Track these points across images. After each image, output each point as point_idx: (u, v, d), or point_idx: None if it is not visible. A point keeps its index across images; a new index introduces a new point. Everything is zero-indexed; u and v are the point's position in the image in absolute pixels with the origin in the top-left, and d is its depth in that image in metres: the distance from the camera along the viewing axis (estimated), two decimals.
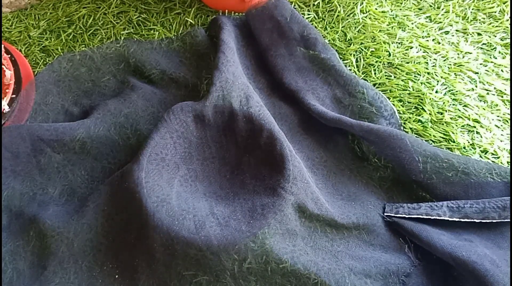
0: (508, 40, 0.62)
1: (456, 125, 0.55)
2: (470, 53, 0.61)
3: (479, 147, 0.53)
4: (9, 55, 0.56)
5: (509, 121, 0.55)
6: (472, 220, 0.45)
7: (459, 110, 0.56)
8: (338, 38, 0.63)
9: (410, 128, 0.56)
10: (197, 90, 0.58)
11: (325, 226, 0.47)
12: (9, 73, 0.55)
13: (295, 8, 0.63)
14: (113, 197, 0.47)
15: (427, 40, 0.63)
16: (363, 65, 0.61)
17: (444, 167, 0.48)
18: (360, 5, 0.66)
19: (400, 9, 0.66)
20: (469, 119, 0.56)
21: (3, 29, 0.65)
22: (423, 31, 0.64)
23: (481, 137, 0.54)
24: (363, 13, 0.66)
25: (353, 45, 0.62)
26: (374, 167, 0.53)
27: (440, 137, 0.55)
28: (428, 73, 0.59)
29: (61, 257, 0.45)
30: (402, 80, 0.59)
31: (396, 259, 0.46)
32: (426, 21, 0.65)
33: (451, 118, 0.56)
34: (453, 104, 0.57)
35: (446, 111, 0.56)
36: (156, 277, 0.43)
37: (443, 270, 0.46)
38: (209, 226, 0.43)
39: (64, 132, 0.50)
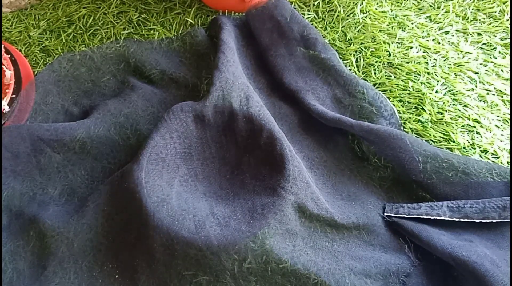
0: (508, 40, 0.62)
1: (456, 125, 0.55)
2: (470, 53, 0.61)
3: (479, 147, 0.53)
4: (9, 55, 0.56)
5: (509, 121, 0.55)
6: (472, 220, 0.45)
7: (459, 110, 0.56)
8: (338, 38, 0.63)
9: (410, 128, 0.56)
10: (197, 90, 0.58)
11: (325, 226, 0.47)
12: (9, 73, 0.55)
13: (295, 8, 0.63)
14: (113, 197, 0.47)
15: (427, 40, 0.63)
16: (363, 65, 0.61)
17: (444, 167, 0.48)
18: (360, 5, 0.66)
19: (400, 9, 0.66)
20: (469, 119, 0.56)
21: (3, 29, 0.65)
22: (423, 31, 0.64)
23: (481, 137, 0.54)
24: (363, 13, 0.66)
25: (353, 45, 0.62)
26: (374, 167, 0.53)
27: (440, 137, 0.55)
28: (428, 73, 0.59)
29: (61, 257, 0.45)
30: (402, 80, 0.59)
31: (396, 259, 0.46)
32: (426, 21, 0.65)
33: (451, 118, 0.56)
34: (453, 104, 0.57)
35: (446, 111, 0.56)
36: (156, 277, 0.43)
37: (443, 270, 0.46)
38: (209, 226, 0.43)
39: (64, 132, 0.50)
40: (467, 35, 0.63)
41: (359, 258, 0.46)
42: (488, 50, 0.62)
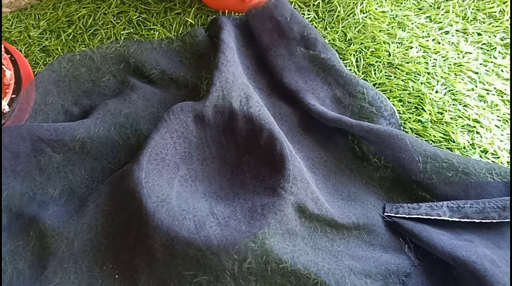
0: (508, 40, 0.62)
1: (456, 125, 0.55)
2: (470, 53, 0.61)
3: (479, 147, 0.53)
4: (9, 55, 0.56)
5: (509, 121, 0.55)
6: (472, 220, 0.45)
7: (459, 110, 0.56)
8: (338, 38, 0.63)
9: (410, 128, 0.56)
10: (197, 90, 0.58)
11: (325, 226, 0.47)
12: (9, 73, 0.55)
13: (295, 8, 0.63)
14: (113, 197, 0.47)
15: (427, 40, 0.63)
16: (363, 65, 0.61)
17: (444, 167, 0.48)
18: (360, 5, 0.66)
19: (400, 9, 0.66)
20: (469, 119, 0.56)
21: (3, 29, 0.65)
22: (423, 31, 0.64)
23: (481, 137, 0.54)
24: (363, 13, 0.66)
25: (353, 45, 0.62)
26: (374, 167, 0.53)
27: (440, 137, 0.55)
28: (428, 73, 0.59)
29: (61, 257, 0.45)
30: (402, 80, 0.59)
31: (396, 259, 0.46)
32: (426, 21, 0.65)
33: (451, 118, 0.56)
34: (453, 104, 0.57)
35: (446, 111, 0.56)
36: (156, 277, 0.43)
37: (443, 270, 0.46)
38: (209, 226, 0.43)
39: (64, 132, 0.50)
40: (467, 35, 0.63)
41: (359, 258, 0.46)
42: (488, 50, 0.62)
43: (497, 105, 0.57)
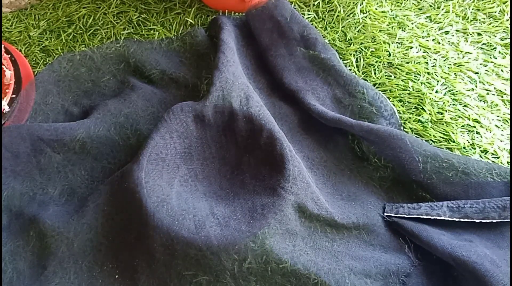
0: (508, 40, 0.62)
1: (456, 125, 0.55)
2: (470, 53, 0.61)
3: (479, 147, 0.53)
4: (9, 55, 0.56)
5: (509, 121, 0.55)
6: (472, 220, 0.45)
7: (459, 110, 0.56)
8: (338, 38, 0.63)
9: (410, 128, 0.56)
10: (197, 90, 0.58)
11: (325, 226, 0.47)
12: (9, 73, 0.55)
13: (295, 8, 0.63)
14: (113, 197, 0.47)
15: (427, 40, 0.63)
16: (363, 65, 0.61)
17: (444, 167, 0.48)
18: (360, 5, 0.66)
19: (400, 9, 0.66)
20: (469, 119, 0.56)
21: (3, 29, 0.65)
22: (423, 31, 0.64)
23: (481, 137, 0.54)
24: (363, 13, 0.66)
25: (353, 45, 0.62)
26: (374, 167, 0.53)
27: (440, 137, 0.55)
28: (428, 73, 0.59)
29: (61, 257, 0.45)
30: (402, 80, 0.59)
31: (396, 259, 0.46)
32: (426, 21, 0.65)
33: (451, 118, 0.56)
34: (453, 104, 0.57)
35: (446, 111, 0.56)
36: (156, 277, 0.43)
37: (443, 270, 0.46)
38: (209, 226, 0.43)
39: (64, 132, 0.50)
40: (467, 35, 0.63)
41: (359, 258, 0.46)
42: (488, 50, 0.62)
43: (497, 105, 0.57)
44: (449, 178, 0.48)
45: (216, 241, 0.42)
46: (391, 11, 0.66)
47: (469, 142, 0.54)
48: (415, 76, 0.59)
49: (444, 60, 0.61)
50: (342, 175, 0.53)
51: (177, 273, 0.42)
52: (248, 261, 0.42)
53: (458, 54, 0.61)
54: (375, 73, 0.60)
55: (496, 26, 0.64)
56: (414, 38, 0.63)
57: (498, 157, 0.53)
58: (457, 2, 0.66)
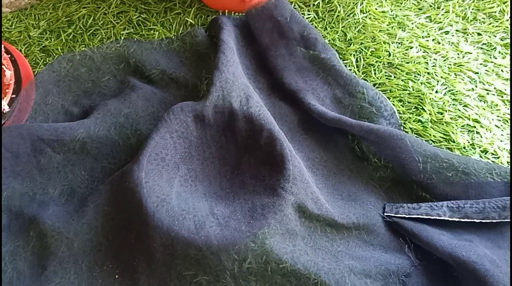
0: (508, 40, 0.62)
1: (456, 125, 0.55)
2: (470, 53, 0.61)
3: (479, 147, 0.53)
4: (9, 55, 0.56)
5: (509, 121, 0.55)
6: (472, 220, 0.45)
7: (459, 110, 0.56)
8: (338, 38, 0.63)
9: (410, 128, 0.56)
10: (197, 90, 0.58)
11: (325, 226, 0.47)
12: (9, 73, 0.55)
13: (295, 8, 0.63)
14: (113, 197, 0.47)
15: (427, 40, 0.63)
16: (363, 65, 0.61)
17: (444, 167, 0.48)
18: (360, 5, 0.66)
19: (400, 9, 0.66)
20: (469, 119, 0.56)
21: (3, 29, 0.65)
22: (423, 31, 0.64)
23: (481, 137, 0.54)
24: (363, 13, 0.66)
25: (353, 45, 0.62)
26: (374, 167, 0.53)
27: (440, 137, 0.55)
28: (428, 73, 0.59)
29: (61, 257, 0.45)
30: (402, 80, 0.59)
31: (396, 259, 0.46)
32: (426, 21, 0.65)
33: (451, 118, 0.56)
34: (453, 104, 0.57)
35: (446, 111, 0.56)
36: (156, 277, 0.43)
37: (443, 270, 0.46)
38: (209, 226, 0.43)
39: (64, 132, 0.50)
40: (467, 35, 0.63)
41: (359, 258, 0.46)
42: (488, 50, 0.62)
43: (497, 105, 0.57)
44: (449, 178, 0.48)
45: (216, 241, 0.42)
46: (391, 11, 0.66)
47: (469, 142, 0.54)
48: (415, 76, 0.59)
49: (444, 60, 0.61)
50: (342, 175, 0.53)
51: (177, 273, 0.42)
52: (248, 261, 0.42)
53: (458, 54, 0.61)
54: (375, 73, 0.60)
55: (496, 26, 0.64)
56: (414, 38, 0.63)
57: (498, 157, 0.53)
58: (457, 2, 0.66)
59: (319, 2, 0.66)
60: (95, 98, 0.58)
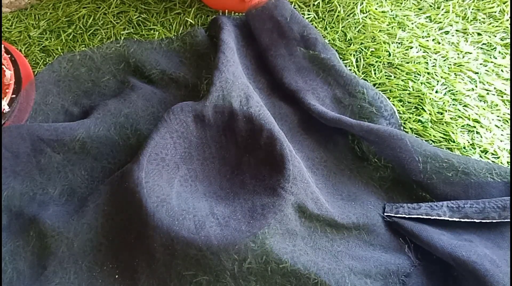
0: (508, 40, 0.62)
1: (456, 125, 0.55)
2: (470, 53, 0.61)
3: (479, 147, 0.53)
4: (9, 55, 0.56)
5: (509, 121, 0.55)
6: (472, 220, 0.45)
7: (459, 110, 0.56)
8: (338, 38, 0.63)
9: (410, 128, 0.56)
10: (197, 90, 0.58)
11: (325, 226, 0.47)
12: (9, 73, 0.55)
13: (295, 8, 0.63)
14: (113, 197, 0.47)
15: (427, 40, 0.63)
16: (363, 65, 0.61)
17: (444, 167, 0.48)
18: (360, 5, 0.66)
19: (400, 9, 0.66)
20: (469, 119, 0.56)
21: (3, 29, 0.65)
22: (423, 31, 0.64)
23: (481, 137, 0.54)
24: (363, 13, 0.66)
25: (353, 45, 0.62)
26: (374, 167, 0.53)
27: (440, 137, 0.55)
28: (428, 73, 0.59)
29: (61, 257, 0.45)
30: (402, 80, 0.59)
31: (396, 259, 0.46)
32: (426, 21, 0.65)
33: (451, 118, 0.56)
34: (453, 104, 0.57)
35: (446, 111, 0.56)
36: (156, 277, 0.43)
37: (443, 270, 0.46)
38: (209, 226, 0.43)
39: (64, 132, 0.50)
40: (467, 35, 0.63)
41: (359, 258, 0.46)
42: (488, 50, 0.62)
43: (497, 105, 0.57)
44: (449, 178, 0.48)
45: (216, 241, 0.42)
46: (391, 11, 0.66)
47: (469, 142, 0.54)
48: (415, 76, 0.59)
49: (444, 60, 0.61)
50: (342, 175, 0.53)
51: (177, 273, 0.42)
52: (248, 261, 0.42)
53: (458, 54, 0.61)
54: (375, 73, 0.60)
55: (496, 26, 0.64)
56: (414, 38, 0.63)
57: (498, 157, 0.53)
58: (457, 2, 0.66)
59: (319, 2, 0.66)
60: (95, 98, 0.58)
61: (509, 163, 0.52)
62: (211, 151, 0.50)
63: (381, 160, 0.53)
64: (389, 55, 0.61)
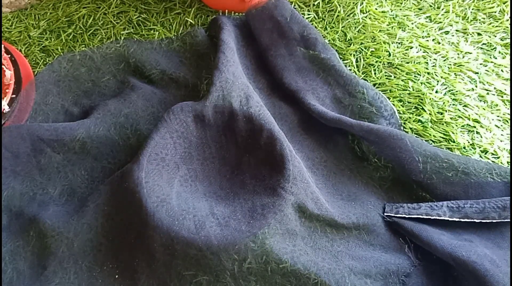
0: (508, 40, 0.62)
1: (456, 125, 0.55)
2: (470, 53, 0.61)
3: (479, 147, 0.53)
4: (9, 55, 0.56)
5: (509, 121, 0.55)
6: (472, 220, 0.45)
7: (459, 110, 0.56)
8: (338, 38, 0.63)
9: (410, 128, 0.56)
10: (197, 90, 0.58)
11: (325, 226, 0.47)
12: (9, 73, 0.55)
13: (295, 8, 0.63)
14: (113, 197, 0.47)
15: (427, 40, 0.63)
16: (363, 65, 0.61)
17: (444, 167, 0.48)
18: (360, 5, 0.66)
19: (400, 9, 0.66)
20: (469, 119, 0.56)
21: (3, 29, 0.65)
22: (423, 31, 0.64)
23: (481, 137, 0.54)
24: (363, 13, 0.66)
25: (353, 45, 0.62)
26: (374, 167, 0.53)
27: (440, 137, 0.55)
28: (428, 73, 0.59)
29: (61, 257, 0.45)
30: (402, 80, 0.59)
31: (396, 259, 0.46)
32: (426, 21, 0.65)
33: (451, 118, 0.56)
34: (453, 104, 0.57)
35: (446, 111, 0.56)
36: (156, 277, 0.43)
37: (443, 270, 0.46)
38: (209, 226, 0.43)
39: (64, 132, 0.50)
40: (467, 35, 0.63)
41: (359, 258, 0.46)
42: (488, 50, 0.62)
43: (497, 105, 0.57)
44: (449, 178, 0.48)
45: (216, 241, 0.42)
46: (391, 11, 0.66)
47: (469, 142, 0.54)
48: (415, 76, 0.59)
49: (444, 60, 0.61)
50: (342, 175, 0.53)
51: (177, 273, 0.42)
52: (248, 261, 0.42)
53: (458, 54, 0.61)
54: (375, 73, 0.60)
55: (496, 26, 0.64)
56: (414, 38, 0.63)
57: (498, 157, 0.53)
58: (457, 2, 0.66)
59: (319, 2, 0.66)
60: (95, 98, 0.58)
61: (509, 163, 0.52)
62: (211, 151, 0.51)
63: (381, 160, 0.53)
64: (389, 55, 0.61)
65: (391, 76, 0.60)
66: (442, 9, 0.66)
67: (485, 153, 0.53)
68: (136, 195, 0.44)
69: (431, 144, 0.54)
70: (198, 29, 0.63)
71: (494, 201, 0.45)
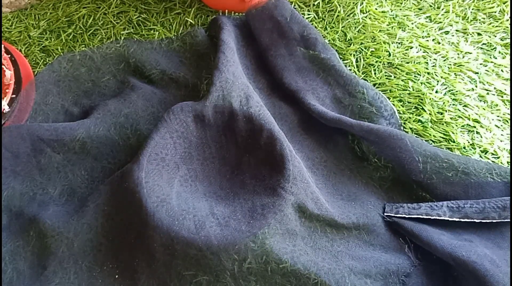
0: (508, 40, 0.62)
1: (456, 125, 0.55)
2: (470, 53, 0.61)
3: (479, 147, 0.53)
4: (9, 55, 0.56)
5: (509, 121, 0.55)
6: (472, 220, 0.45)
7: (459, 110, 0.56)
8: (338, 38, 0.63)
9: (410, 128, 0.56)
10: (197, 90, 0.58)
11: (325, 226, 0.47)
12: (9, 73, 0.55)
13: (295, 8, 0.63)
14: (113, 197, 0.47)
15: (427, 40, 0.63)
16: (363, 65, 0.61)
17: (444, 167, 0.48)
18: (360, 5, 0.66)
19: (400, 9, 0.66)
20: (469, 119, 0.56)
21: (3, 29, 0.65)
22: (423, 31, 0.64)
23: (481, 137, 0.54)
24: (363, 13, 0.66)
25: (353, 45, 0.62)
26: (374, 167, 0.53)
27: (440, 137, 0.55)
28: (428, 73, 0.59)
29: (61, 257, 0.45)
30: (402, 80, 0.59)
31: (396, 259, 0.46)
32: (426, 21, 0.65)
33: (451, 118, 0.56)
34: (453, 104, 0.57)
35: (446, 111, 0.56)
36: (156, 277, 0.43)
37: (443, 270, 0.46)
38: (209, 226, 0.43)
39: (64, 132, 0.50)
40: (467, 35, 0.63)
41: (359, 258, 0.46)
42: (488, 50, 0.62)
43: (497, 105, 0.57)
44: (449, 178, 0.48)
45: (216, 241, 0.42)
46: (391, 11, 0.66)
47: (469, 142, 0.54)
48: (415, 76, 0.59)
49: (444, 60, 0.61)
50: (342, 175, 0.53)
51: (177, 273, 0.42)
52: (248, 261, 0.42)
53: (458, 54, 0.61)
54: (375, 73, 0.60)
55: (496, 26, 0.64)
56: (414, 38, 0.63)
57: (498, 157, 0.53)
58: (457, 2, 0.66)
59: (319, 2, 0.66)
60: (95, 98, 0.58)
61: (509, 163, 0.52)
62: (211, 151, 0.51)
63: (381, 160, 0.53)
64: (389, 55, 0.61)
65: (391, 76, 0.60)
66: (442, 9, 0.66)
67: (485, 153, 0.53)
68: (136, 195, 0.44)
69: (431, 144, 0.54)
70: (198, 29, 0.63)
71: (494, 201, 0.45)
